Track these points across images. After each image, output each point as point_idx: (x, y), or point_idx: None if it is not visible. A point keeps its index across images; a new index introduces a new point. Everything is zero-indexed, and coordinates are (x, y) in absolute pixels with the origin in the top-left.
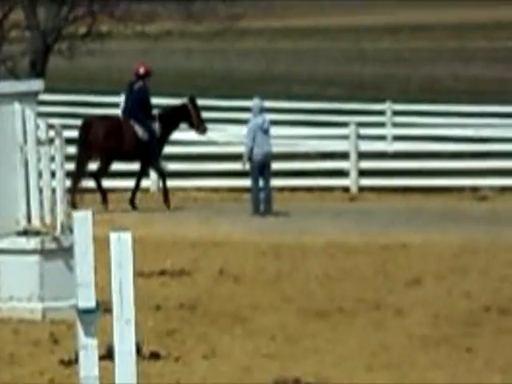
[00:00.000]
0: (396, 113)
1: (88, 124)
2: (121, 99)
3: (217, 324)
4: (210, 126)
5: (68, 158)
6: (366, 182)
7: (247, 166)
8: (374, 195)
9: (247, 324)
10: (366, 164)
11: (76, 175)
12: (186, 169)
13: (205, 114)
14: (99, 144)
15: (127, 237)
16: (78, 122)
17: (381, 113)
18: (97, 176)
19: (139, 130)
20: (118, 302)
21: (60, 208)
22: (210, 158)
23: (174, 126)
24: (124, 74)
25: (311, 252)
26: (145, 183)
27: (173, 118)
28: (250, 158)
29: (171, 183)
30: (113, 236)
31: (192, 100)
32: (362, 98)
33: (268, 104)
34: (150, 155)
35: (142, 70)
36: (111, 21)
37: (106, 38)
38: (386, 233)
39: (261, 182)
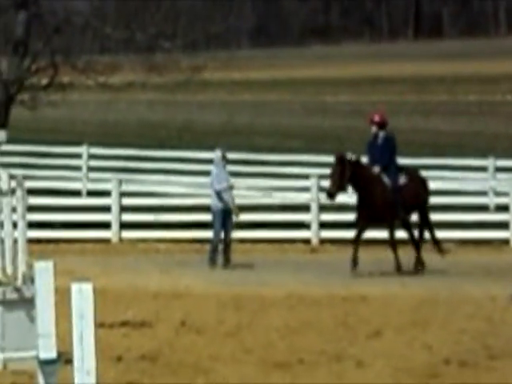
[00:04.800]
0: None
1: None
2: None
3: (178, 375)
4: (171, 177)
5: (30, 208)
6: (327, 234)
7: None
8: (335, 247)
9: (208, 375)
10: (327, 216)
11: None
12: (147, 220)
13: (166, 165)
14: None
15: (88, 288)
16: (40, 172)
17: None
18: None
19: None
20: (78, 353)
21: (21, 258)
22: (170, 209)
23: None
24: (86, 125)
25: (272, 304)
26: (107, 234)
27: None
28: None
29: (132, 234)
30: (74, 287)
31: None
32: (323, 150)
33: (230, 156)
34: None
35: (377, 118)
36: (73, 72)
37: (68, 89)
38: (347, 285)
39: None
